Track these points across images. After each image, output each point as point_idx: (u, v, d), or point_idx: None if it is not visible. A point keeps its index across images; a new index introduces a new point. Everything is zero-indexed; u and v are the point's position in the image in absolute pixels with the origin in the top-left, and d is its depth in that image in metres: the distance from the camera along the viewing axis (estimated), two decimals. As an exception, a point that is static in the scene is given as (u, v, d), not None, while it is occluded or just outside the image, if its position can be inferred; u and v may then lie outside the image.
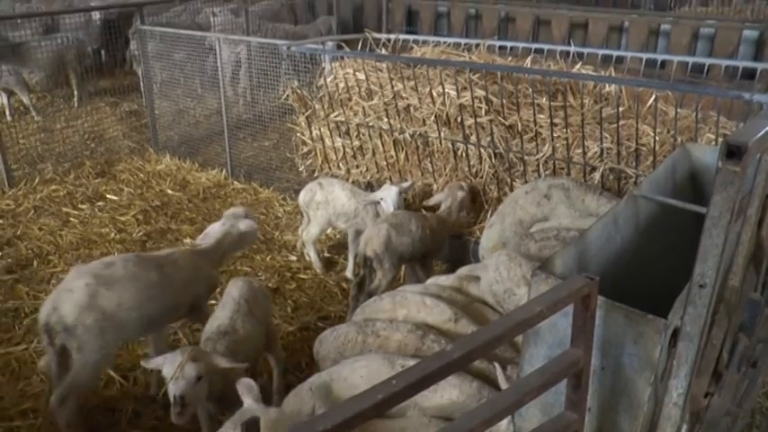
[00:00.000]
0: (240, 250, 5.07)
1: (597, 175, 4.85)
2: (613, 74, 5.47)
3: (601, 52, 6.13)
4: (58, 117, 9.51)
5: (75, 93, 10.27)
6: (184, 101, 8.89)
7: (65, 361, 3.74)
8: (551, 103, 4.92)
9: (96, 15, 11.72)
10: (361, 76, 5.81)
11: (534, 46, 6.28)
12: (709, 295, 1.89)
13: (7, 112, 9.62)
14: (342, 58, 6.13)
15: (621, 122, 4.68)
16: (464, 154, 5.48)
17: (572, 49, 5.92)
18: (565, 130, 4.89)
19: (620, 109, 4.80)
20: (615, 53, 6.21)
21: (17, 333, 5.00)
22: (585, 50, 6.02)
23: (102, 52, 12.42)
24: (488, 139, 5.29)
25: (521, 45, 6.34)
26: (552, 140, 4.94)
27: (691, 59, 6.18)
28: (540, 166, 5.08)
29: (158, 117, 8.76)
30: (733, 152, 1.74)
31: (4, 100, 9.64)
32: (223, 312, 3.74)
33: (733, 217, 1.81)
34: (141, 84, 9.13)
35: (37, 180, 7.60)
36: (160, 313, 4.01)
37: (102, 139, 8.98)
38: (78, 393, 3.76)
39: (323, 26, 12.15)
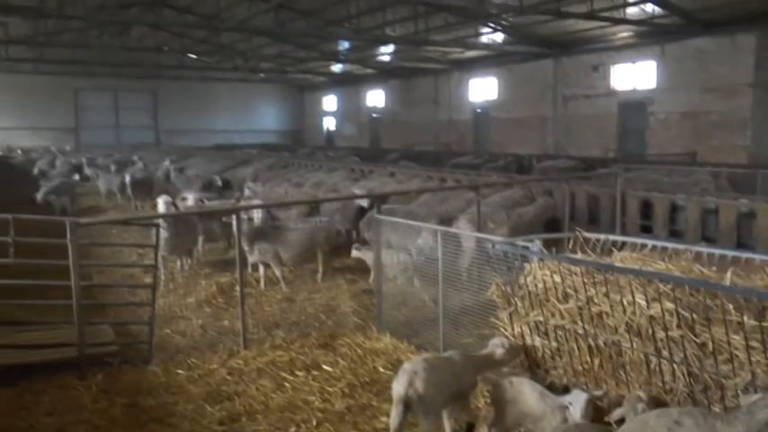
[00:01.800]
0: (492, 370, 6.27)
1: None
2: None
3: None
4: (301, 289, 10.64)
5: (321, 269, 11.50)
6: (410, 285, 9.45)
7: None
8: (746, 321, 4.53)
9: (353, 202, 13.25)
10: (558, 278, 5.87)
11: (745, 255, 5.80)
12: None
13: (261, 282, 11.04)
14: (540, 259, 6.25)
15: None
16: (657, 368, 5.18)
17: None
18: (764, 354, 4.45)
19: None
20: None
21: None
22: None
23: (354, 233, 13.85)
24: (681, 355, 4.97)
25: (730, 253, 5.86)
26: (750, 365, 4.51)
27: None
28: (740, 391, 4.61)
29: (385, 298, 9.34)
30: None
31: (261, 271, 11.10)
32: None
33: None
34: (373, 266, 9.94)
35: (267, 344, 8.37)
36: (451, 393, 5.64)
37: (333, 313, 9.80)
38: None
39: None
